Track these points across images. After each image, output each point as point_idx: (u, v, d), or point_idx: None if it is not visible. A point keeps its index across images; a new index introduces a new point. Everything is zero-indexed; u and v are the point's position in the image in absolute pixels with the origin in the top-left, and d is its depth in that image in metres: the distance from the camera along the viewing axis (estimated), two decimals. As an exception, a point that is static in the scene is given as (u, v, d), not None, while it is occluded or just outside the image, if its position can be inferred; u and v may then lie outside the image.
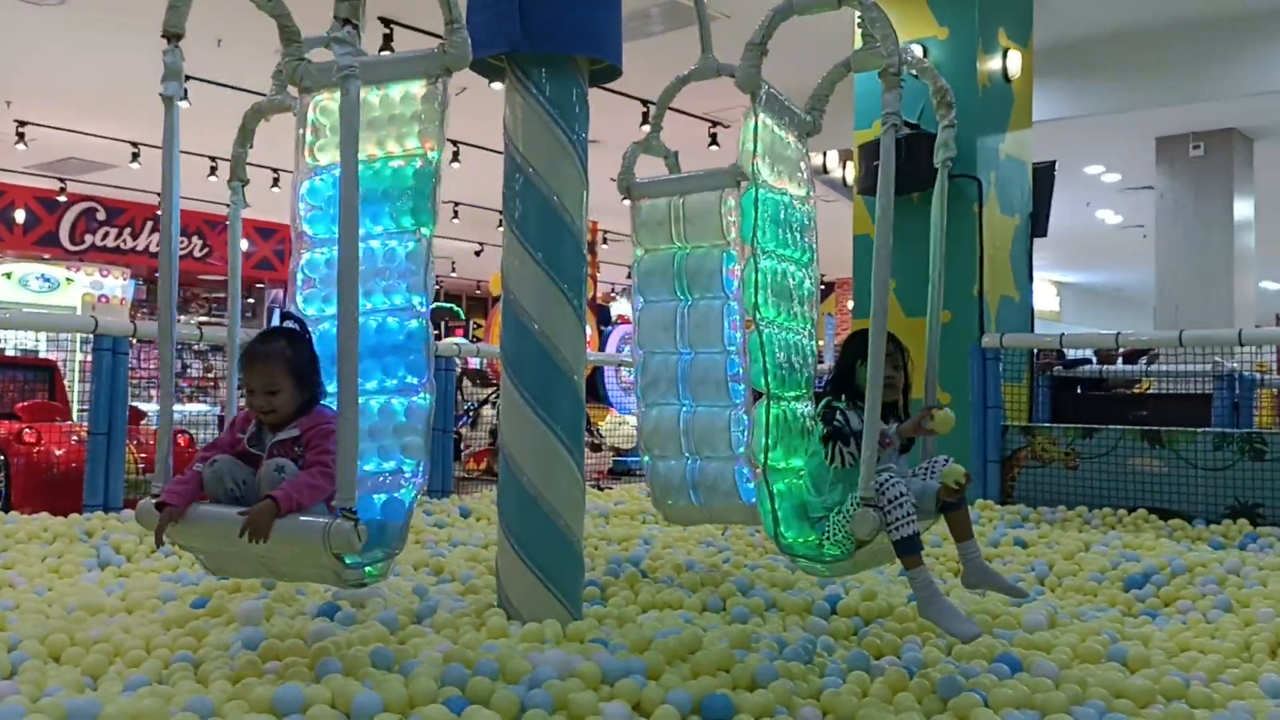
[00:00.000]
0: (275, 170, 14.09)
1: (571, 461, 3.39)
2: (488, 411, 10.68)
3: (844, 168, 12.40)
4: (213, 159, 13.53)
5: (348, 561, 2.60)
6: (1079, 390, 8.11)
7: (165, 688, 2.57)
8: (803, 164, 3.78)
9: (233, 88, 9.85)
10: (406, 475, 2.97)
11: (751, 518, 4.07)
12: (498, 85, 3.61)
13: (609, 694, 2.52)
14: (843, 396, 3.29)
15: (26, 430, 6.56)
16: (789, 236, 3.60)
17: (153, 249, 16.37)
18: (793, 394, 3.46)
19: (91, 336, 5.71)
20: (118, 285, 13.14)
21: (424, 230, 3.07)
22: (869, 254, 7.76)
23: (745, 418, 4.01)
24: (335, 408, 2.66)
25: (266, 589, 3.79)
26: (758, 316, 3.33)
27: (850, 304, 11.64)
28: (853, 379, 3.29)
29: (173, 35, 2.84)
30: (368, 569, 2.78)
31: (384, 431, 3.02)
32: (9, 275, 11.15)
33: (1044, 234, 7.86)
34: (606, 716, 2.35)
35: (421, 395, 3.03)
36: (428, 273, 3.05)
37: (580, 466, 3.44)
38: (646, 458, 4.41)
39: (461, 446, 10.31)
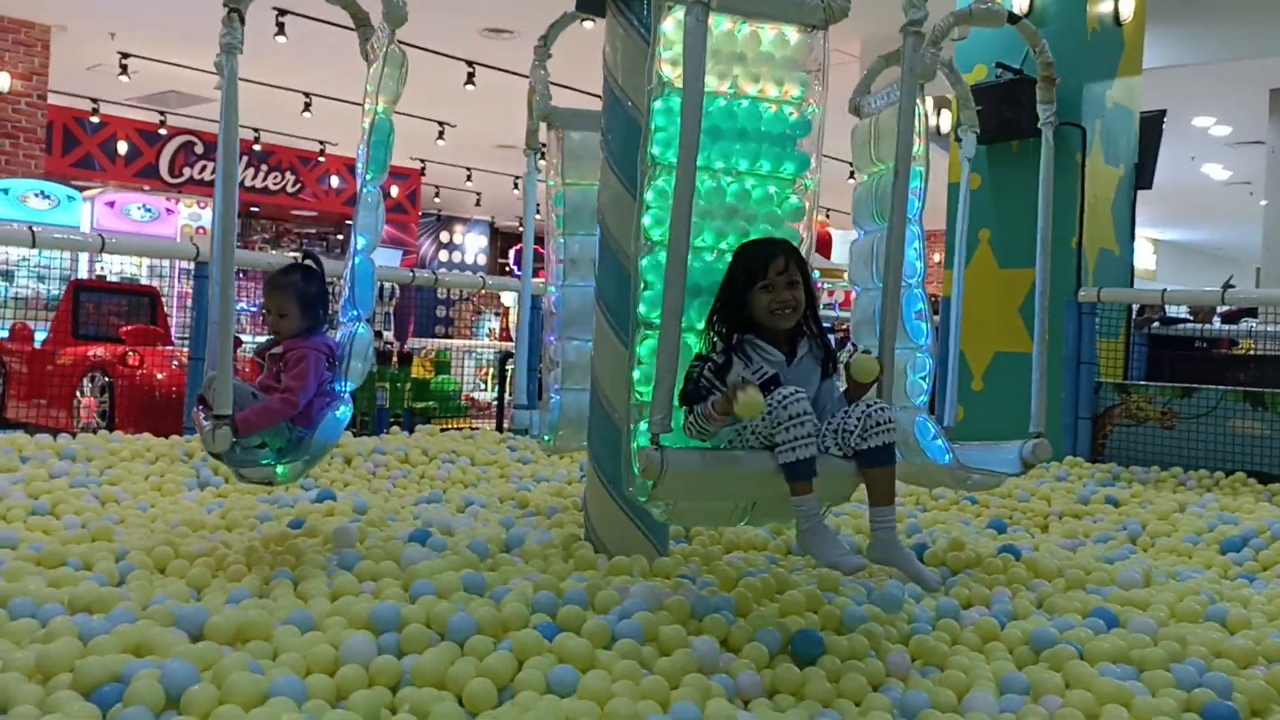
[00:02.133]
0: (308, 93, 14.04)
1: (661, 398, 3.38)
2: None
3: (939, 115, 12.08)
4: (307, 95, 13.68)
5: (263, 461, 3.13)
6: (1180, 349, 7.87)
7: (267, 601, 2.65)
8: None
9: (328, 23, 9.91)
10: (344, 396, 3.30)
11: (947, 480, 3.59)
12: (589, 24, 3.58)
13: (697, 629, 2.53)
14: (727, 334, 2.71)
15: (130, 353, 6.78)
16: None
17: (246, 183, 16.67)
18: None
19: (192, 264, 5.85)
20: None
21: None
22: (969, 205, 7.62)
23: (928, 362, 3.47)
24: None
25: (359, 514, 3.89)
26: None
27: (937, 256, 11.39)
28: (743, 308, 2.69)
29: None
30: (279, 469, 3.19)
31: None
32: (112, 205, 11.47)
33: (1149, 186, 7.59)
34: (696, 650, 2.36)
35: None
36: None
37: (671, 404, 3.43)
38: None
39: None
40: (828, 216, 19.77)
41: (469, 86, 12.24)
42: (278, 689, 1.98)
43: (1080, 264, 6.96)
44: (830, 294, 17.22)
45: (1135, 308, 7.34)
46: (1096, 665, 2.48)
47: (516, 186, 18.44)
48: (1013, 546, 3.70)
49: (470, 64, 12.00)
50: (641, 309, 2.81)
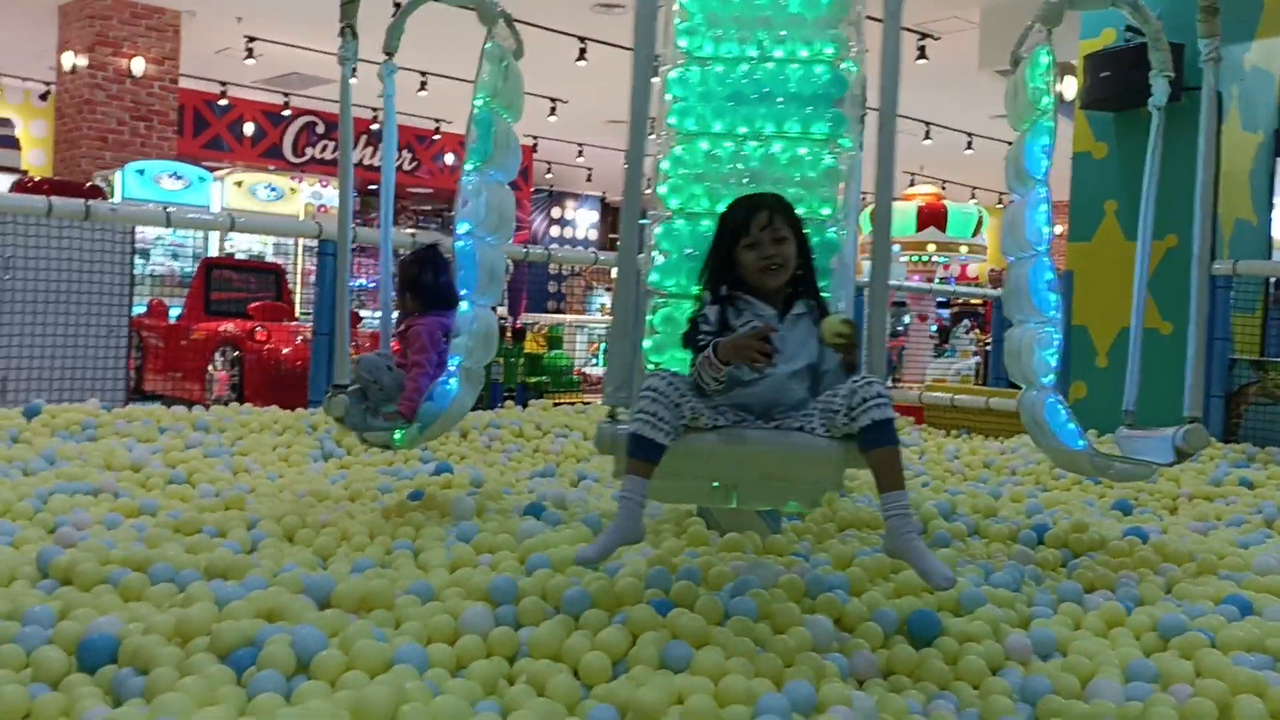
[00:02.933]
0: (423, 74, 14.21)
1: (776, 374, 3.36)
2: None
3: (1061, 81, 11.68)
4: (423, 74, 13.92)
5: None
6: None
7: (390, 571, 2.73)
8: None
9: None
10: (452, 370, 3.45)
11: (1086, 468, 3.43)
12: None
13: (811, 607, 2.52)
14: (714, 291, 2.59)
15: (258, 328, 7.03)
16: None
17: (366, 162, 17.06)
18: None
19: (316, 242, 6.03)
20: (336, 196, 13.81)
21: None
22: (1090, 173, 7.36)
23: (1056, 336, 3.31)
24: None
25: (475, 487, 3.97)
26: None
27: (1059, 229, 11.03)
28: (732, 268, 2.58)
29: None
30: (395, 434, 3.48)
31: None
32: (240, 184, 11.89)
33: (1290, 153, 7.21)
34: (810, 628, 2.35)
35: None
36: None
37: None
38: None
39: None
40: (943, 188, 19.31)
41: (580, 63, 12.30)
42: (401, 656, 2.04)
43: (1215, 235, 6.66)
44: (945, 268, 16.84)
45: (1274, 280, 6.99)
46: (1229, 654, 2.38)
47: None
48: (1140, 529, 3.58)
49: (582, 40, 12.04)
50: (654, 278, 2.89)
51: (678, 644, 2.20)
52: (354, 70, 3.35)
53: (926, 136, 16.30)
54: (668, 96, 3.03)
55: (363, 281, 9.94)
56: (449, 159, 18.43)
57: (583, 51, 12.18)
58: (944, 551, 3.17)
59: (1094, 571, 3.07)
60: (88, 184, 7.54)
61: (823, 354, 2.55)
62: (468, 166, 3.51)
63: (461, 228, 3.52)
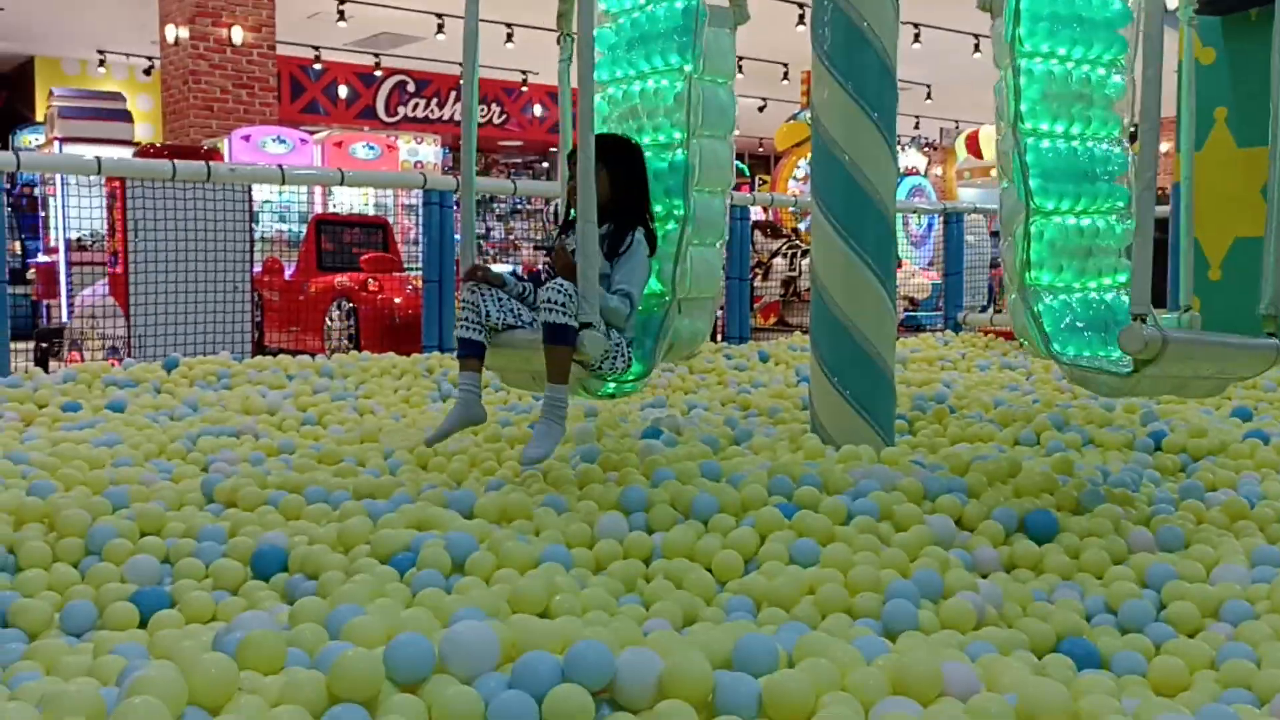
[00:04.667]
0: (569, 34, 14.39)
1: (882, 290, 3.42)
2: (778, 263, 10.74)
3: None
4: (509, 25, 14.01)
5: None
6: None
7: (521, 489, 2.88)
8: None
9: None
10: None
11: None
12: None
13: (931, 509, 2.59)
14: None
15: (370, 280, 7.27)
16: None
17: (457, 118, 17.28)
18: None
19: (420, 193, 6.21)
20: (431, 151, 14.08)
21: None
22: (1197, 80, 7.12)
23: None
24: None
25: (590, 418, 4.11)
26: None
27: (1165, 145, 10.70)
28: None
29: None
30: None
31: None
32: (339, 145, 12.19)
33: None
34: (931, 526, 2.42)
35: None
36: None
37: (892, 295, 3.46)
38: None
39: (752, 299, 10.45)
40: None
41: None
42: (547, 556, 2.18)
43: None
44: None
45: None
46: (1358, 540, 2.39)
47: (763, 109, 18.41)
48: (1261, 432, 3.56)
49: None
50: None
51: (805, 541, 2.31)
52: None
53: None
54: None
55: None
56: (537, 110, 18.54)
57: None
58: (1062, 455, 3.20)
59: (1215, 474, 3.07)
60: (206, 150, 7.85)
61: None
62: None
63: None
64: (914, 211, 11.53)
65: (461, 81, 3.32)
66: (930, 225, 12.89)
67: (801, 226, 11.80)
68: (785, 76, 16.75)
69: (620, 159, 3.31)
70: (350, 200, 11.51)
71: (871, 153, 3.42)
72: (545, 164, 20.32)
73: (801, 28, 13.66)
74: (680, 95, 3.52)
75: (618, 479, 2.95)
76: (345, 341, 7.36)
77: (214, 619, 2.10)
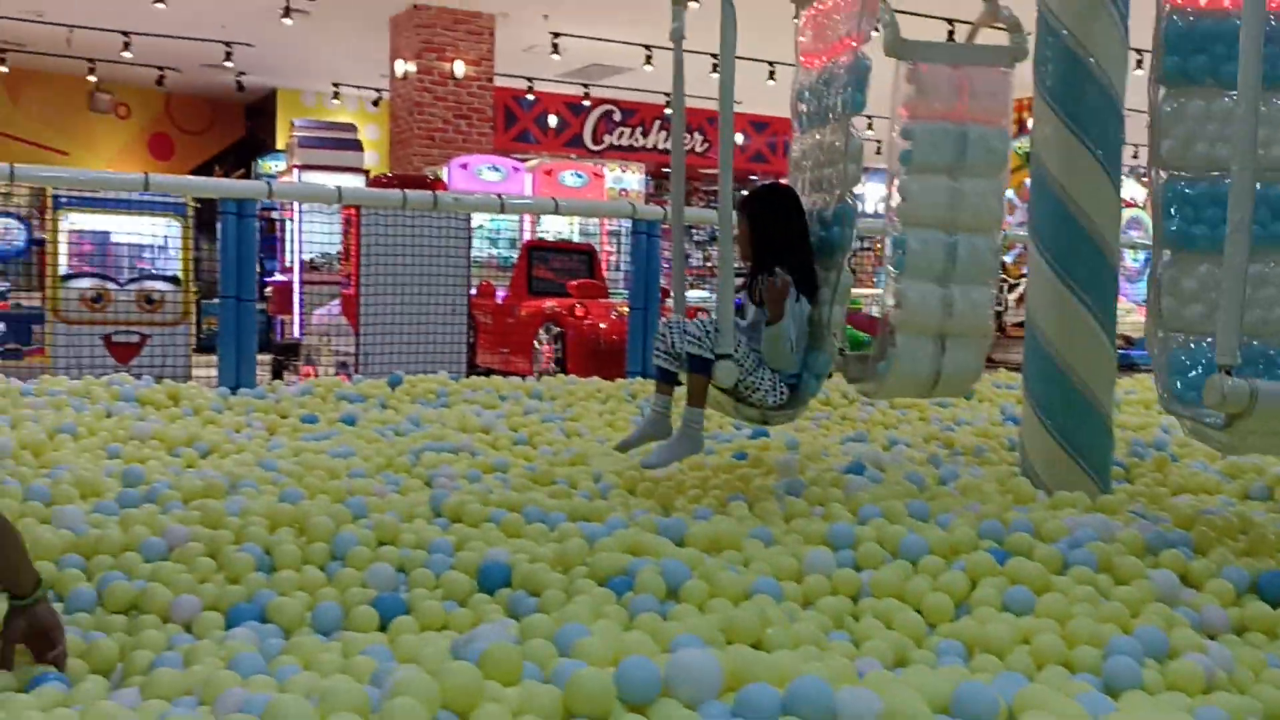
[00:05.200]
0: (771, 64, 14.53)
1: (1100, 330, 3.33)
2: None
3: None
4: (713, 55, 14.21)
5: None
6: None
7: (730, 517, 2.94)
8: None
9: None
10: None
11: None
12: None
13: (1154, 563, 2.51)
14: None
15: (578, 305, 7.52)
16: None
17: (660, 146, 17.64)
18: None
19: (629, 222, 6.41)
20: (634, 179, 14.42)
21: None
22: None
23: None
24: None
25: (791, 449, 4.14)
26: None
27: None
28: None
29: None
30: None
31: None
32: (549, 173, 12.65)
33: None
34: (1155, 581, 2.35)
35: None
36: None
37: (1111, 336, 3.36)
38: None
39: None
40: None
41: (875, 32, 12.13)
42: (758, 587, 2.24)
43: None
44: None
45: None
46: None
47: None
48: None
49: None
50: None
51: (1019, 589, 2.28)
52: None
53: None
54: None
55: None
56: (738, 139, 18.70)
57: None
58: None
59: None
60: (429, 178, 8.32)
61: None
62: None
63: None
64: (1131, 247, 11.01)
65: (670, 115, 3.47)
66: (1147, 260, 12.28)
67: (1007, 259, 11.46)
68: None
69: (758, 209, 3.53)
70: (557, 226, 11.93)
71: (1093, 190, 3.34)
72: (745, 191, 20.44)
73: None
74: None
75: (824, 514, 2.98)
76: (552, 364, 7.64)
77: (445, 627, 2.25)
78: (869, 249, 17.03)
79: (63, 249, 7.03)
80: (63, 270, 6.97)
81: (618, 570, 2.35)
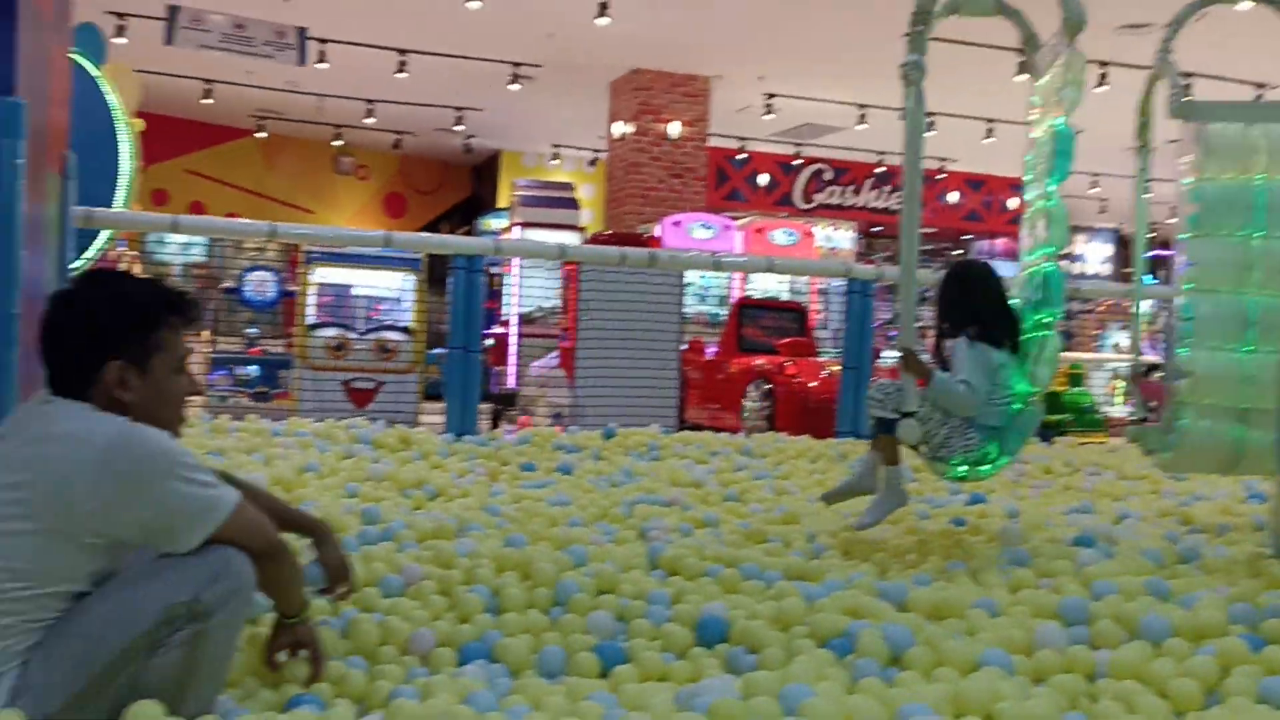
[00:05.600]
0: (989, 121, 14.22)
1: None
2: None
3: None
4: (930, 114, 14.02)
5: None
6: None
7: (952, 585, 2.86)
8: None
9: (946, 40, 10.09)
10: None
11: None
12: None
13: None
14: None
15: (787, 363, 7.52)
16: None
17: (871, 205, 17.50)
18: None
19: (842, 282, 6.37)
20: (845, 237, 14.33)
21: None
22: None
23: None
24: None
25: (1010, 518, 3.99)
26: None
27: None
28: None
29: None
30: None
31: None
32: (759, 230, 12.75)
33: None
34: None
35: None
36: None
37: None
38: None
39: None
40: None
41: (1101, 88, 11.73)
42: (987, 659, 2.16)
43: None
44: None
45: None
46: None
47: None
48: None
49: (1103, 64, 11.49)
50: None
51: (1277, 680, 2.11)
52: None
53: None
54: None
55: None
56: (952, 198, 18.33)
57: (1103, 76, 11.62)
58: None
59: None
60: (645, 236, 8.55)
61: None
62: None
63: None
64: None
65: (904, 173, 3.43)
66: None
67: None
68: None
69: (945, 282, 3.71)
70: (766, 284, 11.98)
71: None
72: (959, 251, 19.96)
73: None
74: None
75: (1053, 586, 2.85)
76: (762, 421, 7.64)
77: (664, 678, 2.27)
78: (1088, 311, 16.29)
79: (310, 300, 7.59)
80: (308, 320, 7.52)
81: (837, 632, 2.32)
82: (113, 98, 5.14)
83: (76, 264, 4.48)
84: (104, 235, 5.43)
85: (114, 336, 1.92)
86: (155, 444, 1.87)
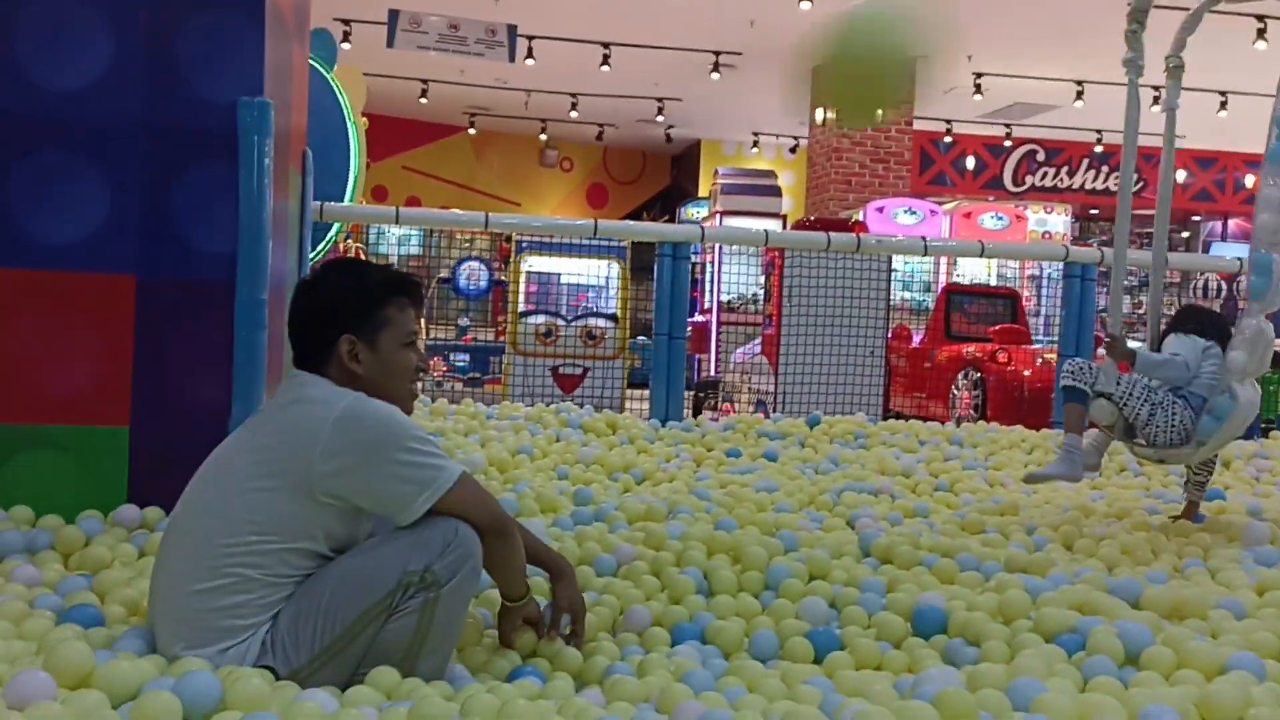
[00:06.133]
0: (1223, 93, 13.26)
1: None
2: None
3: None
4: (1155, 88, 13.18)
5: None
6: None
7: (1191, 586, 2.68)
8: None
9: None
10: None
11: None
12: None
13: None
14: None
15: (999, 351, 7.24)
16: None
17: (1088, 186, 16.63)
18: None
19: (1056, 265, 6.07)
20: (1060, 221, 13.65)
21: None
22: None
23: None
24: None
25: (1252, 515, 3.71)
26: None
27: None
28: None
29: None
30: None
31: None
32: (968, 215, 12.31)
33: None
34: None
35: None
36: None
37: None
38: None
39: None
40: None
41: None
42: (1235, 662, 2.02)
43: None
44: None
45: None
46: None
47: None
48: None
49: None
50: None
51: None
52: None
53: None
54: None
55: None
56: (1180, 176, 17.17)
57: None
58: None
59: None
60: (849, 221, 8.41)
61: None
62: None
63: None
64: None
65: (1122, 157, 3.27)
66: None
67: None
68: None
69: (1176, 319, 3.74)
70: (974, 270, 11.55)
71: None
72: (1185, 234, 18.72)
73: None
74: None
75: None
76: (972, 411, 7.39)
77: (880, 667, 2.23)
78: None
79: (520, 288, 7.84)
80: (519, 308, 7.77)
81: (1066, 627, 2.22)
82: (343, 99, 5.44)
83: (313, 255, 4.77)
84: (334, 229, 5.77)
85: (345, 313, 2.07)
86: (386, 415, 1.98)
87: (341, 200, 5.53)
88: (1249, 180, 16.95)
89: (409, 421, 2.02)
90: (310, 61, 4.48)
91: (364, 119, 6.27)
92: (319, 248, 5.50)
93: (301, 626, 1.92)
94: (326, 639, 1.92)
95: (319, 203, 4.86)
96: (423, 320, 9.12)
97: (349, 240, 9.10)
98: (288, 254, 3.56)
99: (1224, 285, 13.46)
